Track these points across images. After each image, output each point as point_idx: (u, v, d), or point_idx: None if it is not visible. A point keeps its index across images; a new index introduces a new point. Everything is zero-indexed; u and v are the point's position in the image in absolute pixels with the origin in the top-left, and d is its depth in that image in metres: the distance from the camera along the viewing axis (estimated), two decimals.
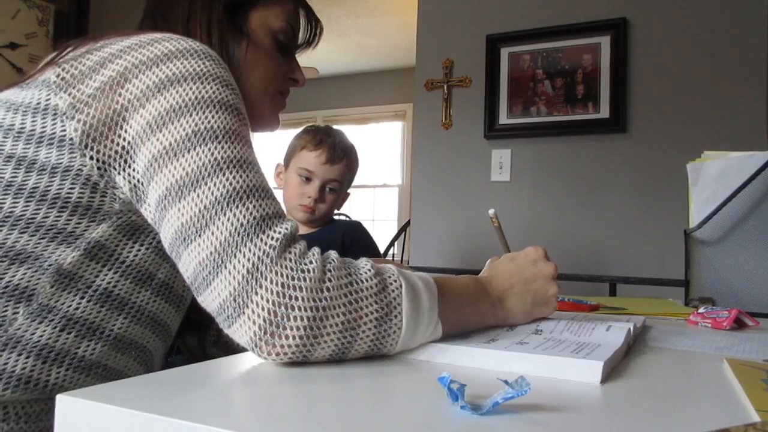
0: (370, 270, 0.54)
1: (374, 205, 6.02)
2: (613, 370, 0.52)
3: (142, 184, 0.59)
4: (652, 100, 2.17)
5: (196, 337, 0.88)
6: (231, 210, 0.53)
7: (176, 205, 0.55)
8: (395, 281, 0.54)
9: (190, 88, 0.58)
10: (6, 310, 0.57)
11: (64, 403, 0.38)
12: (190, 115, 0.57)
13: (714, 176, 1.11)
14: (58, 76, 0.61)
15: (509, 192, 2.38)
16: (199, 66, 0.60)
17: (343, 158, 1.58)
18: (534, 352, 0.52)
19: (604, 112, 2.21)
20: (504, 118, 2.37)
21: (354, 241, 1.59)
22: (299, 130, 1.67)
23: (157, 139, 0.57)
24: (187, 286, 0.67)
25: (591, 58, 2.25)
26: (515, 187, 2.37)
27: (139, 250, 0.64)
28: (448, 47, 2.51)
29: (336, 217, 1.80)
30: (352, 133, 1.68)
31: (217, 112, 0.58)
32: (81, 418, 0.37)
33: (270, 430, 0.35)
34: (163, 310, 0.68)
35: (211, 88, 0.59)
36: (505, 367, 0.50)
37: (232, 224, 0.52)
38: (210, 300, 0.52)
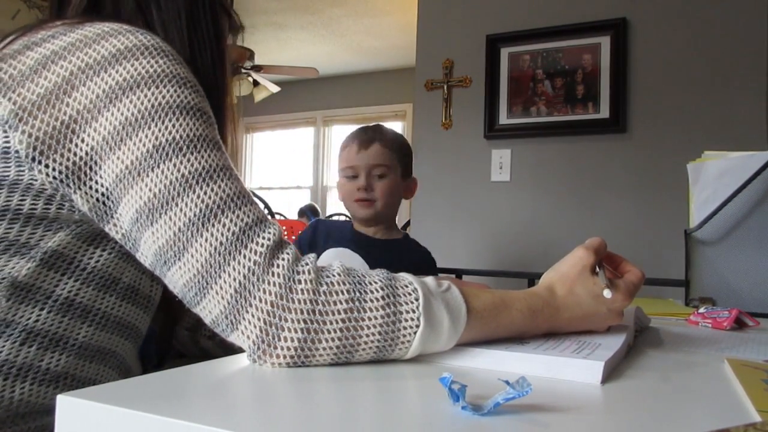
0: (377, 282, 0.51)
1: None
2: (613, 371, 0.52)
3: (107, 204, 0.55)
4: (652, 100, 2.17)
5: (188, 332, 0.87)
6: (207, 229, 0.50)
7: (149, 229, 0.52)
8: (411, 295, 0.51)
9: (145, 95, 0.53)
10: None
11: (64, 403, 0.38)
12: (149, 127, 0.53)
13: (714, 176, 1.11)
14: None
15: (509, 192, 2.38)
16: (152, 66, 0.55)
17: (374, 139, 1.47)
18: (535, 352, 0.52)
19: (604, 112, 2.21)
20: (504, 118, 2.37)
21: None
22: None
23: (117, 158, 0.53)
24: (155, 286, 0.66)
25: (591, 58, 2.24)
26: (515, 187, 2.37)
27: (101, 256, 0.59)
28: (448, 47, 2.51)
29: (408, 234, 1.67)
30: None
31: (177, 119, 0.53)
32: (81, 418, 0.37)
33: (270, 430, 0.35)
34: (130, 314, 0.64)
35: (168, 91, 0.54)
36: (506, 368, 0.50)
37: (210, 244, 0.50)
38: (203, 315, 0.52)
